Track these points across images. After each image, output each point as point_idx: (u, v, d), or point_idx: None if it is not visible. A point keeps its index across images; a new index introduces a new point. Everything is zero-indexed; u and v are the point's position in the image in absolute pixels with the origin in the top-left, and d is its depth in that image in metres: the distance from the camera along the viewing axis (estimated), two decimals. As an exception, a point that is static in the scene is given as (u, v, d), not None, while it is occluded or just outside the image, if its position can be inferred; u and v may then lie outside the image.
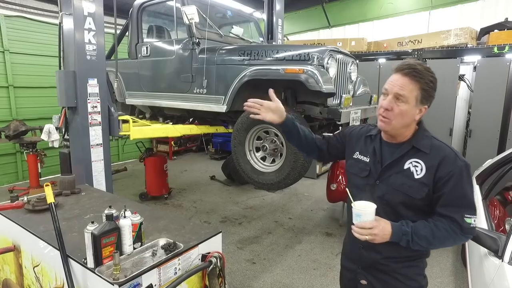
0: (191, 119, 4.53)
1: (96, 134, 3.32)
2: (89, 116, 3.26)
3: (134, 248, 1.54)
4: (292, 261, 3.59)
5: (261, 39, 4.87)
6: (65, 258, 1.49)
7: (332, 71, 3.05)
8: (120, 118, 3.51)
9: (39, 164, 5.22)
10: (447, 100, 5.30)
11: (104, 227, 1.40)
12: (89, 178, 3.27)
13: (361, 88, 3.86)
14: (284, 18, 5.70)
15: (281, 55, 3.19)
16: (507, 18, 5.33)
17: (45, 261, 1.72)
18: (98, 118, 3.33)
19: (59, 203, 2.16)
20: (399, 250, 1.32)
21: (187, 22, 3.38)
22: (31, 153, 5.14)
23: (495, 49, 5.04)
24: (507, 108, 4.99)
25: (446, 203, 1.27)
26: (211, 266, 1.62)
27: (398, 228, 1.26)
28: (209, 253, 1.67)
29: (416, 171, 1.31)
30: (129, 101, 4.52)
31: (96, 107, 3.30)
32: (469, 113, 5.50)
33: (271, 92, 1.58)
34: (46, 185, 1.85)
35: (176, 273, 1.52)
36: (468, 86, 5.50)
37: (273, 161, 3.18)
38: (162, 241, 1.62)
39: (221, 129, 4.39)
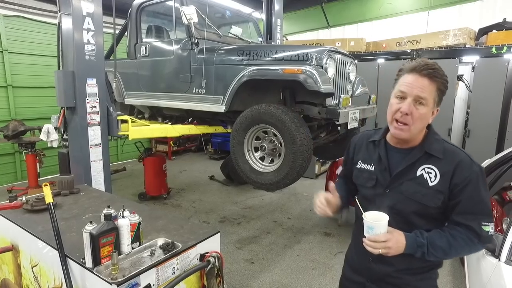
0: (190, 119, 4.53)
1: (95, 134, 3.32)
2: (88, 116, 3.27)
3: (133, 248, 1.54)
4: (291, 261, 3.59)
5: (260, 39, 4.87)
6: (63, 257, 1.49)
7: (331, 71, 3.06)
8: (119, 118, 3.51)
9: (38, 164, 5.21)
10: (445, 100, 5.24)
11: (102, 227, 1.41)
12: (88, 178, 3.27)
13: (360, 88, 3.87)
14: (283, 18, 5.71)
15: (279, 55, 3.20)
16: (505, 19, 5.34)
17: (43, 261, 1.72)
18: (97, 118, 3.34)
19: (57, 203, 2.16)
20: (412, 261, 1.25)
21: (186, 22, 3.38)
22: (30, 153, 5.13)
23: (493, 50, 5.06)
24: (505, 108, 5.01)
25: (463, 211, 1.20)
26: (209, 266, 1.62)
27: (412, 240, 1.19)
28: (207, 252, 1.67)
29: (430, 178, 1.23)
30: (128, 101, 4.52)
31: (95, 107, 3.30)
32: (467, 113, 5.51)
33: (331, 187, 1.42)
34: (45, 185, 1.86)
35: (174, 272, 1.52)
36: (466, 86, 5.51)
37: (272, 161, 3.19)
38: (160, 241, 1.63)
39: (220, 129, 4.39)
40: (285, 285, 3.17)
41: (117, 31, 4.43)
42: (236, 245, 3.95)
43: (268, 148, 3.12)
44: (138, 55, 4.28)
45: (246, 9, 6.50)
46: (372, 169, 1.36)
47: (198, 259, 1.65)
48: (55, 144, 4.07)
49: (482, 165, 3.82)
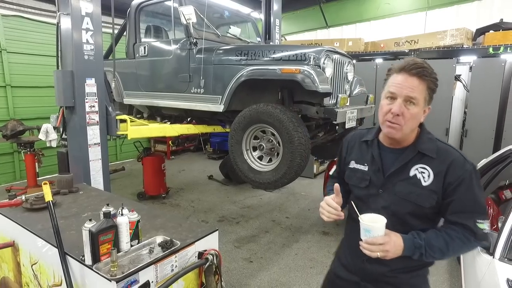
0: (188, 119, 4.55)
1: (93, 134, 3.33)
2: (87, 115, 3.28)
3: (131, 246, 1.56)
4: (289, 260, 3.61)
5: (259, 39, 4.89)
6: (63, 255, 1.50)
7: (329, 71, 3.08)
8: (118, 117, 3.52)
9: (36, 163, 5.22)
10: (443, 100, 5.34)
11: (101, 224, 1.42)
12: (87, 177, 3.28)
13: (358, 88, 3.89)
14: (282, 18, 5.73)
15: (277, 55, 3.21)
16: (502, 19, 5.38)
17: (43, 259, 1.73)
18: (96, 117, 3.35)
19: (57, 201, 2.18)
20: (407, 261, 1.24)
21: (185, 22, 3.39)
22: (28, 152, 5.13)
23: (490, 50, 5.09)
24: (502, 108, 5.04)
25: (458, 210, 1.20)
26: (208, 263, 1.64)
27: (410, 242, 1.18)
28: (205, 250, 1.69)
29: (424, 177, 1.22)
30: (127, 100, 4.53)
31: (94, 106, 3.31)
32: (465, 113, 5.54)
33: (337, 188, 1.34)
34: (44, 184, 1.87)
35: (173, 270, 1.54)
36: (464, 86, 5.54)
37: (270, 160, 3.21)
38: (159, 239, 1.65)
39: (218, 129, 4.41)
40: (283, 284, 3.19)
41: (116, 31, 4.45)
42: (234, 244, 3.96)
43: (266, 148, 3.14)
44: (137, 55, 4.30)
45: (244, 9, 6.51)
46: (366, 169, 1.35)
47: (197, 257, 1.67)
48: (53, 144, 4.08)
49: (478, 164, 3.85)
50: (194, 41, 3.60)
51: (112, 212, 1.53)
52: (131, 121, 3.66)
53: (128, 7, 4.34)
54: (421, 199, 1.22)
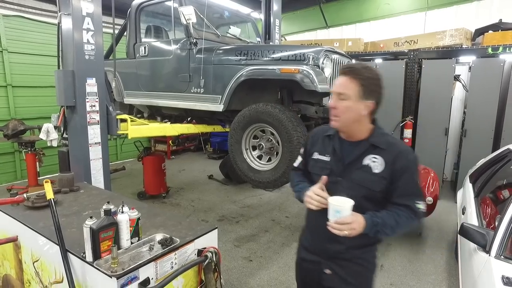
0: (188, 118, 4.57)
1: (94, 133, 3.35)
2: (88, 115, 3.30)
3: (132, 243, 1.58)
4: (289, 259, 3.63)
5: (259, 39, 4.91)
6: (64, 252, 1.52)
7: (328, 71, 3.10)
8: (118, 117, 3.54)
9: (37, 163, 5.24)
10: (443, 100, 5.36)
11: (102, 221, 1.45)
12: (88, 176, 3.31)
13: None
14: (282, 19, 5.75)
15: (277, 55, 3.24)
16: (501, 19, 5.39)
17: (44, 256, 1.76)
18: (97, 117, 3.37)
19: (58, 200, 2.19)
20: (360, 239, 1.39)
21: (185, 23, 3.42)
22: (29, 152, 5.16)
23: (490, 50, 5.10)
24: (501, 108, 5.05)
25: (402, 193, 1.40)
26: (207, 261, 1.66)
27: (370, 220, 1.34)
28: (205, 248, 1.71)
29: (376, 166, 1.41)
30: (127, 100, 4.56)
31: (94, 106, 3.33)
32: (464, 113, 5.55)
33: (324, 180, 1.47)
34: (46, 182, 1.89)
35: (172, 267, 1.56)
36: (463, 86, 5.56)
37: (269, 159, 3.23)
38: (159, 236, 1.67)
39: (218, 128, 4.43)
40: (283, 282, 3.21)
41: (116, 31, 4.47)
42: (234, 243, 3.98)
43: (265, 147, 3.16)
44: (137, 54, 4.32)
45: (244, 9, 6.53)
46: (328, 159, 1.53)
47: (196, 254, 1.69)
48: (54, 143, 4.10)
49: (477, 164, 3.85)
50: (194, 41, 3.62)
51: (112, 210, 1.55)
52: (131, 121, 3.69)
53: (129, 7, 4.37)
54: (372, 184, 1.41)
